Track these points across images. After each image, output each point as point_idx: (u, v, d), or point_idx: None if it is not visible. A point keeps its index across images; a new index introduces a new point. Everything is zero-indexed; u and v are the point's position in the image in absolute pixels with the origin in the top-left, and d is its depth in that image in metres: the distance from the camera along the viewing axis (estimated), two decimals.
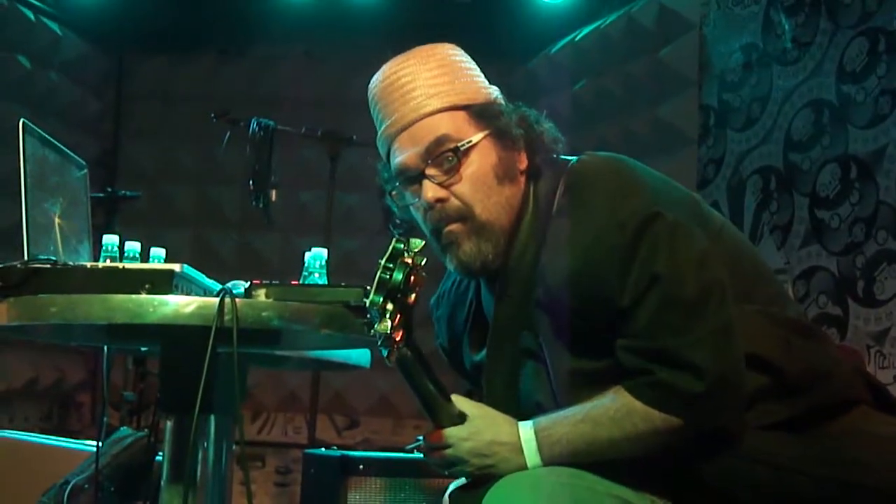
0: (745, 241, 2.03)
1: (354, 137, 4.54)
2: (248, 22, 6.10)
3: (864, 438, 1.78)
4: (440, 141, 1.86)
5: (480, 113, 1.90)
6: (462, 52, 1.99)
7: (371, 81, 1.98)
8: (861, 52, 4.09)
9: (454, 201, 1.86)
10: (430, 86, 1.90)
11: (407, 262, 1.70)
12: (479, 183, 1.86)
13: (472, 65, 1.99)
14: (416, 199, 1.90)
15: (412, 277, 1.72)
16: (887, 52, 3.96)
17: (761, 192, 4.62)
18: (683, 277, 1.72)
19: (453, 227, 1.87)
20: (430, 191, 1.86)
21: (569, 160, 1.92)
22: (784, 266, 4.37)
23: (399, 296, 1.70)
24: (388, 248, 1.72)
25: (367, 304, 1.70)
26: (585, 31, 5.74)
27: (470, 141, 1.87)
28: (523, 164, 1.91)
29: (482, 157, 1.87)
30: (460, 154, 1.86)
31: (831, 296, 4.13)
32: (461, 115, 1.89)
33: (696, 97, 5.14)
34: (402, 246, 1.72)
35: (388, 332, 1.69)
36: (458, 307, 2.08)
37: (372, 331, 1.72)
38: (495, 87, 1.99)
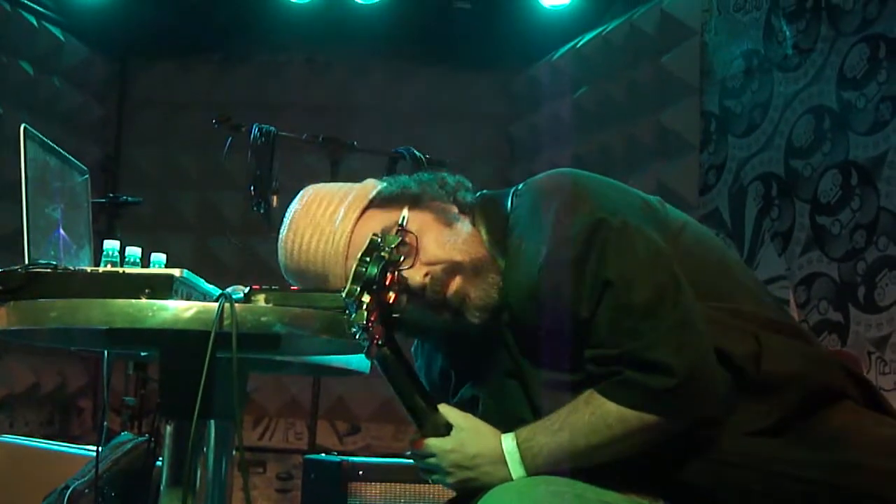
0: (713, 240, 2.03)
1: (356, 143, 4.54)
2: (250, 28, 6.11)
3: (858, 440, 1.77)
4: (383, 237, 1.81)
5: (386, 199, 1.92)
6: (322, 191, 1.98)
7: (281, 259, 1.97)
8: (862, 59, 4.10)
9: (436, 267, 1.86)
10: (327, 239, 1.90)
11: (383, 257, 1.72)
12: (439, 239, 1.88)
13: (337, 187, 1.98)
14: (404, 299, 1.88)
15: (388, 274, 1.73)
16: (888, 59, 3.97)
17: (762, 199, 4.62)
18: (633, 280, 1.73)
19: (453, 285, 1.86)
20: (412, 275, 1.85)
21: (510, 190, 1.94)
22: (785, 272, 4.37)
23: (375, 288, 1.71)
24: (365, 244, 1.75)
25: (344, 295, 1.71)
26: (587, 37, 5.75)
27: (403, 217, 1.88)
28: (453, 208, 1.94)
29: (422, 222, 1.89)
30: (405, 233, 1.86)
31: (832, 302, 4.13)
32: (372, 213, 1.91)
33: (698, 103, 5.15)
34: (378, 240, 1.74)
35: (364, 322, 1.70)
36: (432, 359, 2.10)
37: (350, 323, 1.73)
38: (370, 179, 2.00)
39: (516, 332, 1.85)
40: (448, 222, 1.91)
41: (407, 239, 1.85)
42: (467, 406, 1.96)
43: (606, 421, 1.74)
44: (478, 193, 1.99)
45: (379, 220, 1.89)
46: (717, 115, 5.02)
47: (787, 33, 4.54)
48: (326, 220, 1.91)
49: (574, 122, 5.69)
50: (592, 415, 1.75)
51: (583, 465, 1.77)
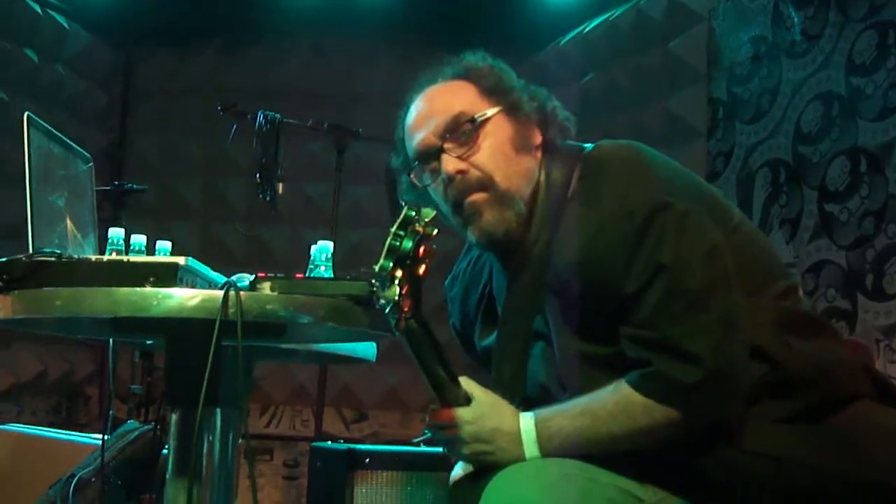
0: (763, 237, 2.04)
1: (361, 130, 4.54)
2: (254, 15, 6.09)
3: (869, 430, 1.78)
4: (456, 117, 1.89)
5: (491, 89, 1.94)
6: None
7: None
8: (870, 45, 4.07)
9: (474, 171, 1.89)
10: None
11: (417, 231, 1.71)
12: (497, 153, 1.89)
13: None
14: (437, 177, 1.91)
15: (422, 247, 1.72)
16: None
17: (770, 186, 4.60)
18: (689, 268, 1.72)
19: (475, 197, 1.89)
20: (451, 164, 1.89)
21: (584, 147, 1.92)
22: (793, 260, 4.35)
23: (408, 263, 1.70)
24: (399, 216, 1.73)
25: (377, 270, 1.70)
26: (594, 23, 5.72)
27: (484, 114, 1.90)
28: (537, 139, 1.94)
29: (498, 130, 1.91)
30: (476, 126, 1.89)
31: (840, 290, 4.11)
32: (473, 90, 1.94)
33: (705, 90, 5.13)
34: (413, 214, 1.72)
35: (396, 298, 1.69)
36: (471, 288, 2.09)
37: (380, 298, 1.72)
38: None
39: (556, 294, 1.84)
40: (519, 147, 1.91)
41: (473, 134, 1.89)
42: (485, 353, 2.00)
43: (631, 412, 1.74)
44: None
45: (468, 101, 1.93)
46: (724, 101, 5.00)
47: (796, 19, 4.51)
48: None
49: (580, 109, 5.66)
50: (617, 404, 1.75)
51: (598, 453, 1.77)
